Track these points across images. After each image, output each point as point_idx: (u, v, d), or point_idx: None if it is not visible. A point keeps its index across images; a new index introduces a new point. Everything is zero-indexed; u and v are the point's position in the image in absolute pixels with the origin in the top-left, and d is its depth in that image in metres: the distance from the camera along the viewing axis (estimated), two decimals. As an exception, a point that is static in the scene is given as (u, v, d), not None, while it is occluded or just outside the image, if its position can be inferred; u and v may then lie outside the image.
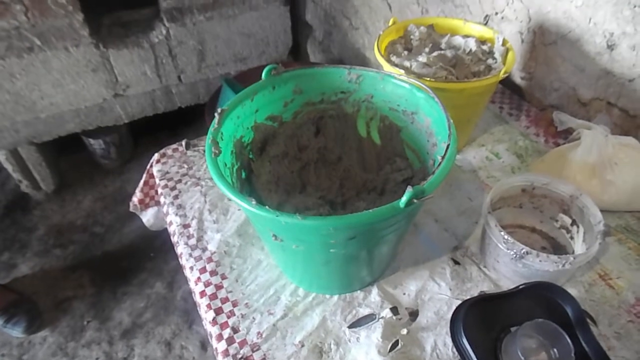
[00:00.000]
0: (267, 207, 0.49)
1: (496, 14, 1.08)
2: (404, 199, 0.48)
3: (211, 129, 0.59)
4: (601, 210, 0.65)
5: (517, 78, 1.09)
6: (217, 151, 0.57)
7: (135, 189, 1.02)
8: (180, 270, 1.62)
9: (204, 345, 1.45)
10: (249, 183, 0.68)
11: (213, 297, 0.69)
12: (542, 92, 1.04)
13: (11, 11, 1.40)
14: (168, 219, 0.84)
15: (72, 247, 1.76)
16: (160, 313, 1.54)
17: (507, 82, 1.11)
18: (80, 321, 1.52)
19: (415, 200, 0.48)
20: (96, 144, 1.94)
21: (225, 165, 0.60)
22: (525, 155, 0.91)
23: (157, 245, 1.73)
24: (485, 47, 0.86)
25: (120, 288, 1.62)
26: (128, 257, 1.71)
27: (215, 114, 0.60)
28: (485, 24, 1.10)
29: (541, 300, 0.58)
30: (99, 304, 1.57)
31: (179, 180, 0.89)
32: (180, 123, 2.16)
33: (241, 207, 0.52)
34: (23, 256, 1.73)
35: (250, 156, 0.69)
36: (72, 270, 1.68)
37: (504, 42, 0.84)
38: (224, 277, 0.72)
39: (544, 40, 0.99)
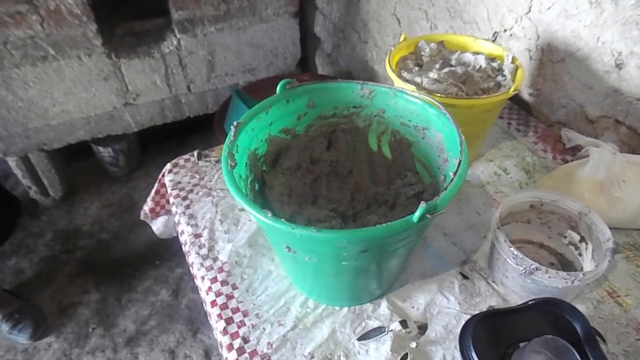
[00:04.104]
0: (282, 219, 0.50)
1: (505, 31, 1.10)
2: (417, 214, 0.49)
3: (227, 142, 0.60)
4: (609, 228, 0.66)
5: (525, 94, 1.11)
6: (233, 163, 0.58)
7: (142, 197, 1.03)
8: (185, 279, 1.64)
9: (208, 354, 1.45)
10: (261, 194, 0.69)
11: (224, 307, 0.70)
12: (550, 108, 1.05)
13: (27, 21, 1.43)
14: (179, 229, 0.85)
15: (78, 253, 1.77)
16: (164, 321, 1.55)
17: (515, 98, 1.12)
18: (85, 327, 1.53)
19: (428, 216, 0.49)
20: (105, 152, 1.96)
21: (240, 177, 0.62)
22: (533, 171, 0.92)
23: (163, 253, 1.74)
24: (494, 64, 0.87)
25: (125, 295, 1.63)
26: (133, 264, 1.72)
27: (232, 127, 0.62)
28: (494, 41, 1.12)
29: (550, 317, 0.59)
30: (104, 310, 1.58)
31: (191, 190, 0.90)
32: (188, 132, 2.18)
33: (256, 219, 0.53)
34: (30, 261, 1.74)
35: (264, 168, 0.70)
36: (78, 276, 1.69)
37: (513, 60, 0.86)
38: (234, 287, 0.73)
39: (552, 57, 1.00)
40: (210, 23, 1.76)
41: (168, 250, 1.72)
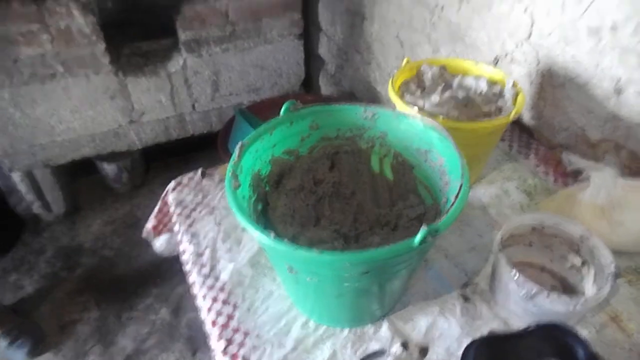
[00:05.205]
0: (285, 240, 0.51)
1: (506, 55, 1.11)
2: (419, 236, 0.49)
3: (231, 162, 0.61)
4: (611, 252, 0.66)
5: (526, 117, 1.12)
6: (237, 184, 0.59)
7: (145, 214, 1.04)
8: (186, 297, 1.64)
9: (207, 374, 1.44)
10: (264, 215, 0.70)
11: (224, 326, 0.70)
12: (551, 131, 1.06)
13: (38, 40, 1.47)
14: (181, 247, 0.86)
15: (79, 270, 1.77)
16: (164, 340, 1.53)
17: (516, 121, 1.13)
18: (84, 345, 1.52)
19: (429, 238, 0.50)
20: (109, 169, 1.97)
21: (243, 197, 0.62)
22: (534, 193, 0.93)
23: (164, 271, 1.74)
24: (495, 89, 0.88)
25: (126, 313, 1.62)
26: (135, 282, 1.72)
27: (236, 148, 0.62)
28: (495, 65, 1.13)
29: (552, 341, 0.58)
30: (104, 328, 1.57)
31: (194, 209, 0.91)
32: (191, 150, 2.20)
33: (259, 240, 0.53)
34: (30, 278, 1.73)
35: (267, 189, 0.71)
36: (79, 294, 1.68)
37: (514, 85, 0.87)
38: (235, 307, 0.73)
39: (552, 82, 1.02)
40: (216, 44, 1.79)
41: (170, 268, 1.72)
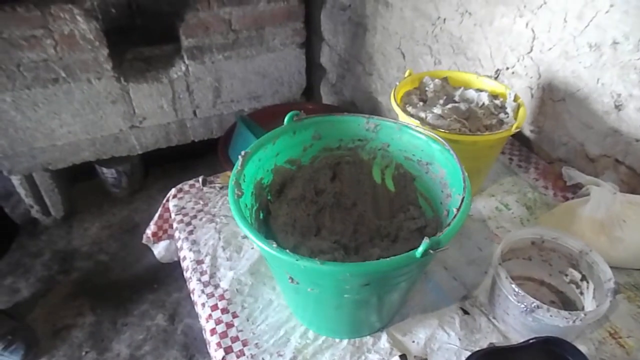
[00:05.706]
0: (287, 250, 0.51)
1: (507, 68, 1.12)
2: (421, 249, 0.49)
3: (235, 171, 0.61)
4: (610, 267, 0.66)
5: (527, 131, 1.13)
6: (239, 193, 0.59)
7: (143, 219, 1.04)
8: (182, 303, 1.63)
9: (202, 382, 1.43)
10: (265, 224, 0.70)
11: (223, 335, 0.70)
12: (551, 145, 1.07)
13: (42, 45, 1.47)
14: (182, 254, 0.86)
15: (75, 274, 1.76)
16: (159, 346, 1.52)
17: (516, 134, 1.13)
18: (78, 351, 1.51)
19: (431, 251, 0.50)
20: (108, 173, 1.97)
21: (246, 206, 0.62)
22: (534, 207, 0.93)
23: (161, 277, 1.73)
24: (497, 102, 0.89)
25: (121, 318, 1.61)
26: (131, 287, 1.71)
27: (239, 157, 0.63)
28: (496, 78, 1.14)
29: (551, 356, 0.58)
30: (98, 333, 1.56)
31: (194, 216, 0.91)
32: (191, 156, 2.20)
33: (262, 250, 0.53)
34: (26, 281, 1.72)
35: (269, 198, 0.71)
36: (74, 298, 1.67)
37: (516, 98, 0.88)
38: (235, 316, 0.73)
39: (552, 96, 1.03)
40: (219, 51, 1.80)
41: (166, 274, 1.71)
